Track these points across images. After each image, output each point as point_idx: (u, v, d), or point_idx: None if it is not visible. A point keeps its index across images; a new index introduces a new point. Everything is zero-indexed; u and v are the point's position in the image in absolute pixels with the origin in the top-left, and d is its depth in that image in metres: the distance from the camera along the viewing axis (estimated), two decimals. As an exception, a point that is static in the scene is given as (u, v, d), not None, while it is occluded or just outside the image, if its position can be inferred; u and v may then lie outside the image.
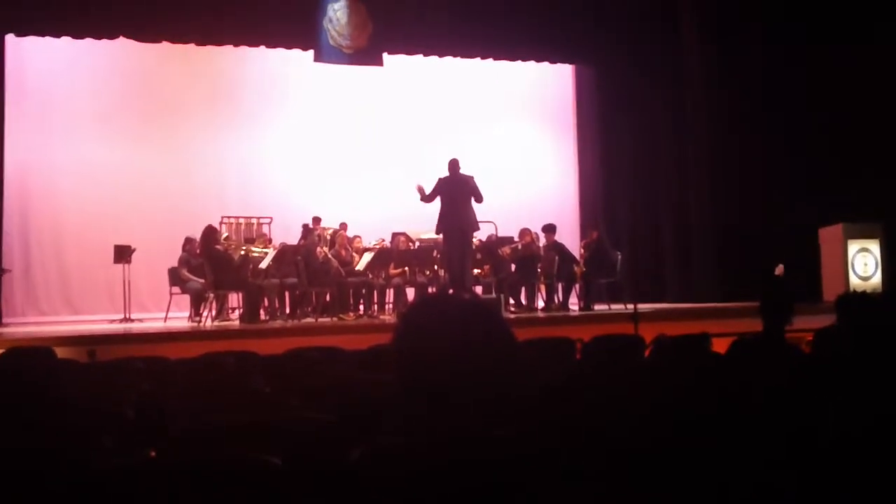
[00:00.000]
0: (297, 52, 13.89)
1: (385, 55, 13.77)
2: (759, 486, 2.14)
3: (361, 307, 12.05)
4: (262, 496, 2.01)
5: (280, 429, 2.65)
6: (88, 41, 12.83)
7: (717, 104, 13.33)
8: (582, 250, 12.75)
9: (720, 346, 5.30)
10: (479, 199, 10.81)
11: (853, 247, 11.74)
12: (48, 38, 12.81)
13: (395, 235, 12.75)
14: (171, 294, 11.88)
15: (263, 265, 11.40)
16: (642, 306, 9.52)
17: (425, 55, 14.52)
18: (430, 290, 12.07)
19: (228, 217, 13.24)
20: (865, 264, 11.75)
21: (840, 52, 12.11)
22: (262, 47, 13.82)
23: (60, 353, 3.80)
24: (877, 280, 11.70)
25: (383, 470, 1.96)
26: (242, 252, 11.59)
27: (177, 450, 2.58)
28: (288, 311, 11.77)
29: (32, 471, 2.31)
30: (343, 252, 12.01)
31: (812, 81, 12.53)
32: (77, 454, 2.41)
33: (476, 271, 12.10)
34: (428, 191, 10.91)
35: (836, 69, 12.24)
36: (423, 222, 11.93)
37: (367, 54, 13.55)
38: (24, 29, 12.48)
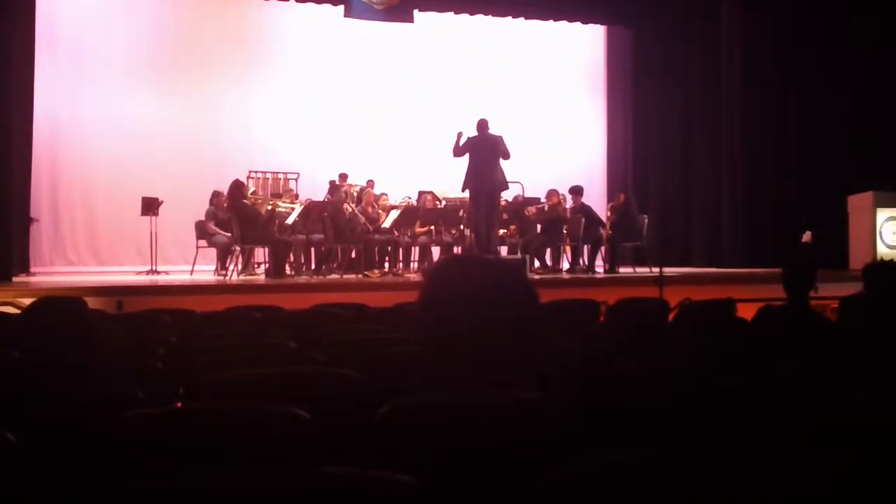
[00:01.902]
0: (327, 7, 13.84)
1: (416, 12, 13.69)
2: (784, 452, 2.15)
3: (387, 265, 12.08)
4: (288, 449, 2.04)
5: (306, 384, 2.68)
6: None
7: (753, 70, 13.14)
8: (609, 213, 12.69)
9: (746, 311, 5.29)
10: (507, 157, 10.77)
11: (882, 215, 11.59)
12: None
13: (421, 194, 12.75)
14: (197, 247, 11.92)
15: (290, 221, 11.43)
16: (668, 270, 9.50)
17: (456, 13, 14.44)
18: (455, 249, 12.08)
19: (256, 172, 13.26)
20: (894, 233, 11.62)
21: (883, 17, 11.92)
22: (292, 1, 13.77)
23: (89, 303, 3.83)
24: (905, 249, 11.59)
25: (409, 428, 1.98)
26: (269, 207, 11.61)
27: (204, 402, 2.61)
28: (313, 267, 11.82)
29: (66, 420, 2.35)
30: (369, 209, 12.02)
31: (850, 46, 12.34)
32: (110, 404, 2.45)
33: (502, 231, 12.09)
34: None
35: (878, 34, 12.05)
36: (450, 181, 11.92)
37: (398, 11, 13.49)
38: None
